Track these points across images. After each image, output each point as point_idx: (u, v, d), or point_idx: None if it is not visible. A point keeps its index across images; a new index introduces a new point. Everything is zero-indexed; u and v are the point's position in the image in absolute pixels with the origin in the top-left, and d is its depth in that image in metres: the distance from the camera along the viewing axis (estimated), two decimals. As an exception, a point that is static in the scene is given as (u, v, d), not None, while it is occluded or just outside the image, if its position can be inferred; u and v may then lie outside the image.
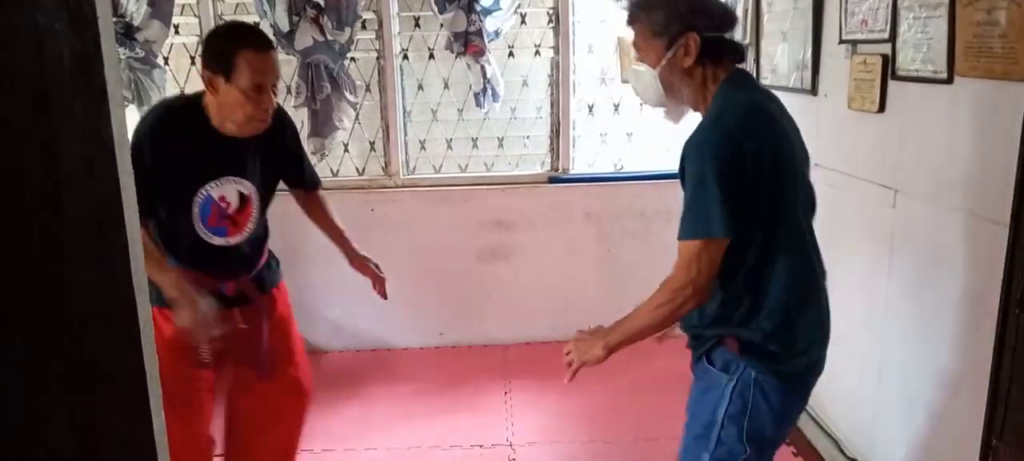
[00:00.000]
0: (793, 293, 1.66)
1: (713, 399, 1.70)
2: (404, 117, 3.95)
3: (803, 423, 3.13)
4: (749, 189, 1.56)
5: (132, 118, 3.66)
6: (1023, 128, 0.81)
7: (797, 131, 1.75)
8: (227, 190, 2.13)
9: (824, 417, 3.06)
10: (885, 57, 2.44)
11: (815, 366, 1.74)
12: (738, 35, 1.62)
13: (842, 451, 2.86)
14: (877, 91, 2.48)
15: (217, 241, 2.16)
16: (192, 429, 2.25)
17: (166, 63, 3.79)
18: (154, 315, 1.84)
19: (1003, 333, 0.87)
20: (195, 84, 3.90)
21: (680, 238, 1.60)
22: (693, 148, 1.60)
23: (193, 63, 3.87)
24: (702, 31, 1.64)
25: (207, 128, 2.07)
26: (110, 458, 0.83)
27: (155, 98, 3.68)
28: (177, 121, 2.10)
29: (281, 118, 2.28)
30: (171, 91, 3.84)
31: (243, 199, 2.17)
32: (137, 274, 0.83)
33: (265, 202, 2.29)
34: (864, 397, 2.71)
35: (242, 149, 2.13)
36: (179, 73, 3.90)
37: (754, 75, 3.60)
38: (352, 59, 3.78)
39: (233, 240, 2.19)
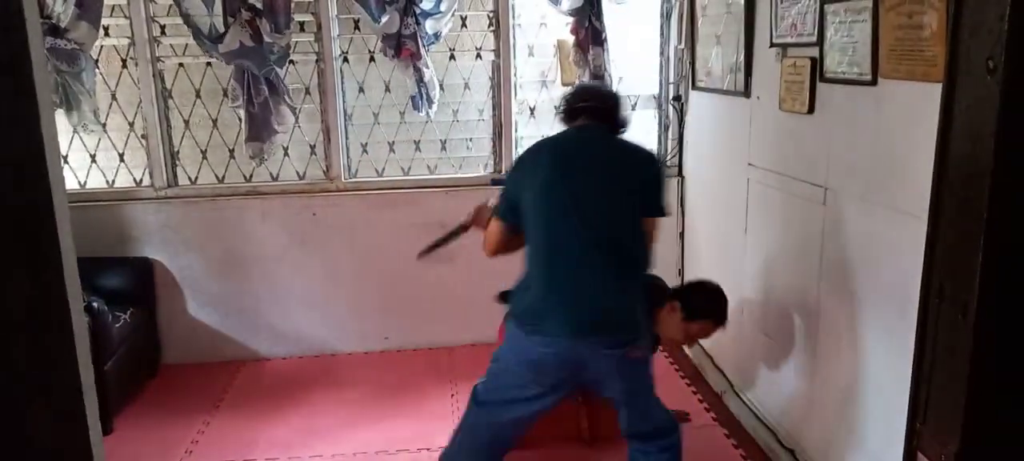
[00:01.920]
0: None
1: None
2: (345, 120, 3.91)
3: (742, 415, 3.22)
4: (517, 190, 2.28)
5: (61, 123, 3.54)
6: (939, 127, 0.86)
7: (590, 159, 2.27)
8: None
9: (762, 409, 3.15)
10: (814, 60, 2.53)
11: (534, 312, 2.18)
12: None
13: (780, 442, 2.95)
14: (807, 93, 2.57)
15: None
16: None
17: (96, 65, 3.67)
18: None
19: (924, 322, 0.92)
20: (126, 87, 3.78)
21: None
22: None
23: (124, 66, 3.75)
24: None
25: None
26: (43, 472, 0.80)
27: (84, 102, 3.56)
28: None
29: None
30: (101, 94, 3.72)
31: None
32: (70, 280, 0.81)
33: None
34: (800, 389, 2.81)
35: None
36: (110, 77, 3.78)
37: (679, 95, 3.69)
38: (291, 62, 3.73)
39: None
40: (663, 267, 4.12)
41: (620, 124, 2.40)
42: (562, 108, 2.43)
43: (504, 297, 2.38)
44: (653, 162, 2.35)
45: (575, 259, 2.16)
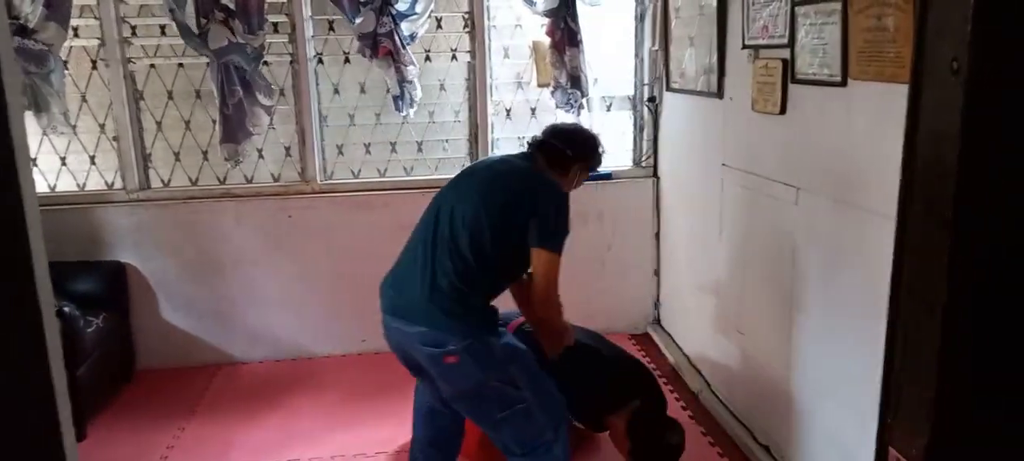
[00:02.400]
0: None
1: None
2: (320, 122, 3.89)
3: (718, 413, 3.25)
4: None
5: (30, 126, 3.48)
6: (906, 128, 0.88)
7: (489, 177, 2.37)
8: None
9: (737, 407, 3.18)
10: (785, 61, 2.56)
11: (380, 292, 2.37)
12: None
13: (756, 439, 2.98)
14: (779, 94, 2.60)
15: None
16: None
17: (66, 67, 3.61)
18: None
19: (894, 319, 0.94)
20: (97, 88, 3.73)
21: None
22: None
23: (94, 67, 3.70)
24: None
25: None
26: (16, 479, 0.79)
27: (54, 104, 3.50)
28: None
29: None
30: (71, 96, 3.66)
31: None
32: (41, 284, 0.80)
33: None
34: (775, 386, 2.84)
35: None
36: (80, 78, 3.72)
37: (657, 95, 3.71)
38: (265, 62, 3.70)
39: None
40: (639, 267, 4.17)
41: (564, 167, 2.44)
42: (534, 139, 2.51)
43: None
44: (551, 199, 2.29)
45: (417, 251, 2.29)
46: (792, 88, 2.55)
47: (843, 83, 2.23)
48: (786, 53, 2.54)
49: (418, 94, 3.74)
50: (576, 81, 3.80)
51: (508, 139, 4.06)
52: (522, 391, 2.27)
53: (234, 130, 3.60)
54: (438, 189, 2.44)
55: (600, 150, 2.58)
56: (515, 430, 2.30)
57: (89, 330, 3.28)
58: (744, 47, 2.85)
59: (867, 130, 2.17)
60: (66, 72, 3.62)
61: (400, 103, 3.72)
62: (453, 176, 2.47)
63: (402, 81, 3.67)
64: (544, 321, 2.47)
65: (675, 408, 3.38)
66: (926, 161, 0.85)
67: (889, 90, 2.02)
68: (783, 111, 2.61)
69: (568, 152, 2.45)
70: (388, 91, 3.75)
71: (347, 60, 3.84)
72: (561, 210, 2.29)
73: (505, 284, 2.42)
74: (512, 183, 2.33)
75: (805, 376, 2.63)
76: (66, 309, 3.11)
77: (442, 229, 2.26)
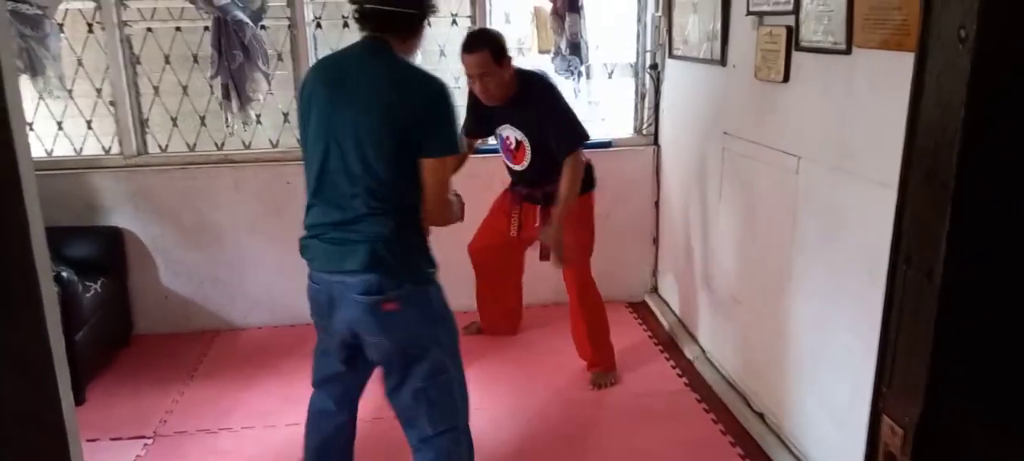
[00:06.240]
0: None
1: None
2: (319, 87, 3.85)
3: (714, 381, 3.27)
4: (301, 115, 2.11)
5: (26, 90, 3.45)
6: (911, 96, 0.87)
7: (357, 83, 2.01)
8: (507, 133, 3.15)
9: (733, 374, 3.20)
10: (789, 29, 2.53)
11: (303, 246, 2.12)
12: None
13: (750, 406, 3.00)
14: (782, 62, 2.58)
15: (511, 165, 3.24)
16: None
17: (61, 30, 3.57)
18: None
19: (892, 288, 0.93)
20: (93, 52, 3.70)
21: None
22: None
23: (90, 31, 3.66)
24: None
25: None
26: (17, 444, 0.80)
27: (49, 67, 3.47)
28: None
29: (528, 85, 3.07)
30: (67, 60, 3.63)
31: (517, 142, 3.14)
32: (38, 250, 0.80)
33: (537, 149, 3.10)
34: (772, 354, 2.86)
35: (501, 111, 3.09)
36: (76, 42, 3.69)
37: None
38: (263, 27, 3.66)
39: (518, 167, 3.20)
40: (638, 235, 4.17)
41: (409, 31, 2.08)
42: (354, 12, 2.07)
43: None
44: (430, 94, 1.99)
45: (333, 191, 1.99)
46: (796, 56, 2.53)
47: (847, 51, 2.21)
48: (791, 20, 2.52)
49: (418, 59, 3.70)
50: (575, 48, 3.77)
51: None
52: (447, 361, 2.11)
53: (235, 95, 3.58)
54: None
55: None
56: (432, 406, 2.11)
57: (87, 295, 3.29)
58: (748, 14, 2.82)
59: (870, 99, 2.15)
60: (62, 35, 3.58)
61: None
62: (318, 98, 2.03)
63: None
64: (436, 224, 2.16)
65: (670, 375, 3.40)
66: (929, 129, 0.84)
67: (894, 58, 2.00)
68: (786, 79, 2.59)
69: (414, 12, 2.06)
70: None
71: (346, 24, 3.80)
72: (441, 104, 2.00)
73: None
74: (386, 87, 1.98)
75: (801, 345, 2.64)
76: (64, 274, 3.11)
77: (348, 162, 1.96)
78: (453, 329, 2.18)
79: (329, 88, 2.02)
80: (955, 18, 0.78)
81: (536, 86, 3.08)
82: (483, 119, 3.20)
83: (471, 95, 3.15)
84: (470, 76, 2.99)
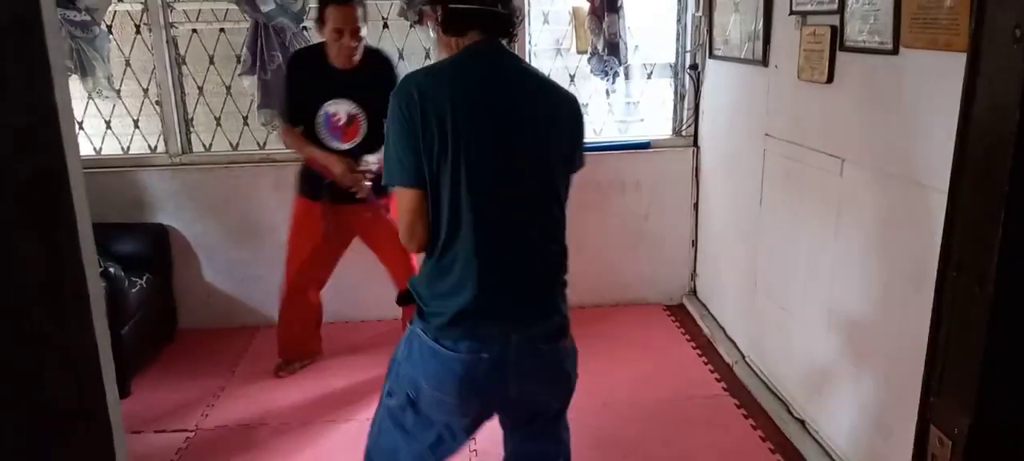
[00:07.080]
0: (430, 253, 1.72)
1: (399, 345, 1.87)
2: (358, 88, 3.89)
3: (753, 386, 3.22)
4: (415, 142, 1.61)
5: (76, 89, 3.55)
6: (962, 97, 0.84)
7: (510, 101, 1.71)
8: (339, 108, 2.97)
9: (773, 379, 3.15)
10: (834, 28, 2.48)
11: (455, 322, 1.67)
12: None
13: (790, 412, 2.95)
14: (826, 62, 2.53)
15: (334, 145, 2.99)
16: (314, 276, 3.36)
17: (110, 32, 3.67)
18: (305, 206, 3.17)
19: (941, 295, 0.91)
20: (140, 53, 3.78)
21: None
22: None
23: (138, 32, 3.75)
24: (445, 4, 1.70)
25: (324, 64, 2.96)
26: (63, 436, 0.82)
27: (98, 68, 3.56)
28: (302, 59, 3.09)
29: (381, 59, 3.04)
30: (115, 61, 3.72)
31: (351, 116, 2.97)
32: (86, 245, 0.81)
33: (373, 122, 2.97)
34: (813, 360, 2.80)
35: (347, 79, 2.93)
36: (124, 42, 3.78)
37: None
38: (304, 28, 3.71)
39: (345, 146, 2.98)
40: (676, 237, 4.13)
41: (513, 33, 1.81)
42: (441, 15, 1.71)
43: (408, 297, 1.79)
44: (577, 105, 1.81)
45: (511, 237, 1.68)
46: (840, 56, 2.48)
47: (895, 51, 2.16)
48: (835, 19, 2.47)
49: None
50: (614, 48, 3.74)
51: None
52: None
53: (271, 96, 3.63)
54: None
55: None
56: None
57: (133, 290, 3.37)
58: (791, 13, 2.77)
59: (917, 100, 2.10)
60: (111, 37, 3.67)
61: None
62: (460, 123, 1.61)
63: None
64: None
65: (709, 379, 3.36)
66: (982, 131, 0.81)
67: (943, 59, 1.95)
68: (830, 80, 2.54)
69: (515, 18, 1.82)
70: (427, 57, 3.74)
71: (386, 25, 3.83)
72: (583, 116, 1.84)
73: None
74: (541, 99, 1.75)
75: (844, 350, 2.59)
76: (111, 270, 3.19)
77: (520, 196, 1.69)
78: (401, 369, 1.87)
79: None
80: (1010, 17, 0.75)
81: (379, 52, 3.07)
82: (310, 100, 2.98)
83: (296, 78, 3.03)
84: (338, 31, 2.85)
